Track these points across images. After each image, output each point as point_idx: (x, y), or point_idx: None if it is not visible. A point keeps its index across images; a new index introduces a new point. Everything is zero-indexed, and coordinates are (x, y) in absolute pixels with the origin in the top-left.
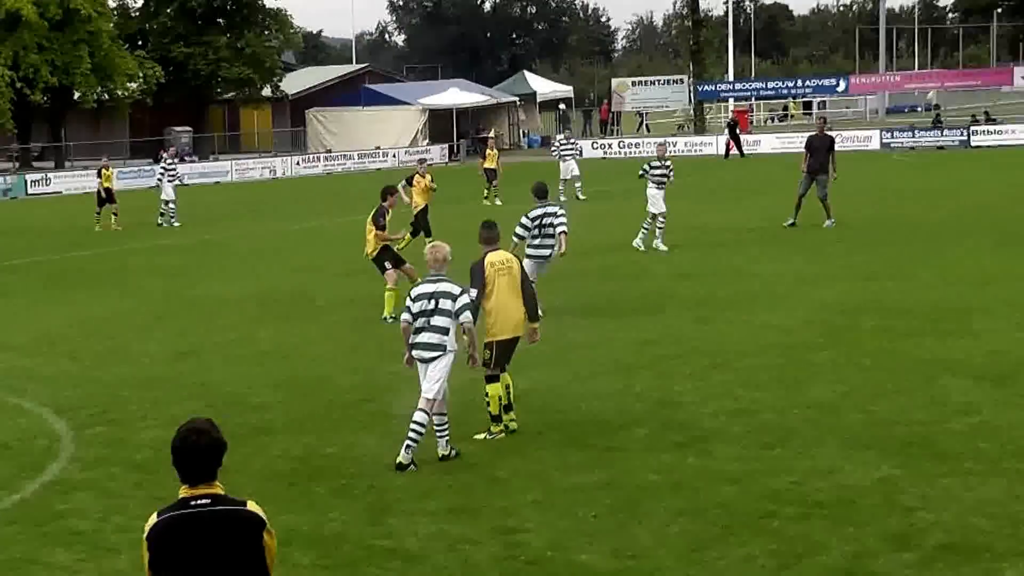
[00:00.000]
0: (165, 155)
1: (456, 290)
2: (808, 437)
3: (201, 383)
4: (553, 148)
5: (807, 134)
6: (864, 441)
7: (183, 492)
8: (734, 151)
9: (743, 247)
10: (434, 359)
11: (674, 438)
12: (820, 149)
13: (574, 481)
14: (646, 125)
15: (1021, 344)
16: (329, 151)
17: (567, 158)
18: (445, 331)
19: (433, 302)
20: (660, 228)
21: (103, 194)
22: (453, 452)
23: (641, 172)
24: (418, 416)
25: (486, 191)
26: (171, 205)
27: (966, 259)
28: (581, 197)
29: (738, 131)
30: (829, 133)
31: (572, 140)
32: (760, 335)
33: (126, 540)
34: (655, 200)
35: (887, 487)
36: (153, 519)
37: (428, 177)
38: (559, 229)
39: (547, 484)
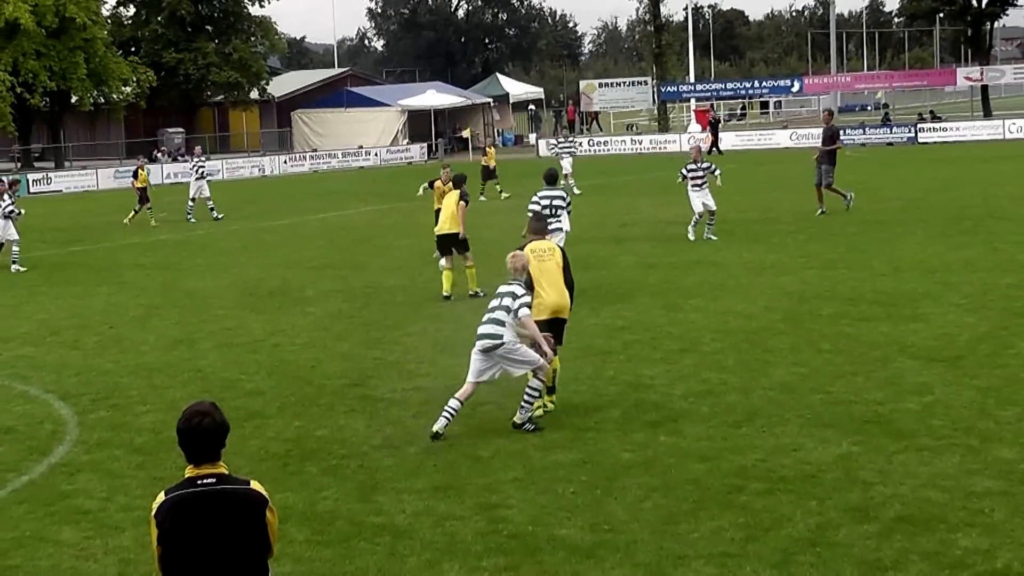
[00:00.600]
0: (195, 155)
1: (520, 291)
2: (772, 416)
3: (197, 370)
4: (552, 146)
5: (766, 132)
6: (824, 420)
7: (189, 472)
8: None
9: (704, 239)
10: (491, 348)
11: (646, 418)
12: (824, 140)
13: (553, 459)
14: (598, 124)
15: (969, 327)
16: (315, 150)
17: (565, 156)
18: (501, 323)
19: (499, 299)
20: (710, 223)
21: (139, 193)
22: (530, 426)
23: (680, 177)
24: (453, 403)
25: (483, 187)
26: (191, 203)
27: (916, 248)
28: (576, 192)
29: (719, 129)
30: (833, 125)
31: (571, 139)
32: (725, 321)
33: (130, 518)
34: (697, 200)
35: (847, 463)
36: (161, 497)
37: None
38: (565, 212)
39: (527, 463)
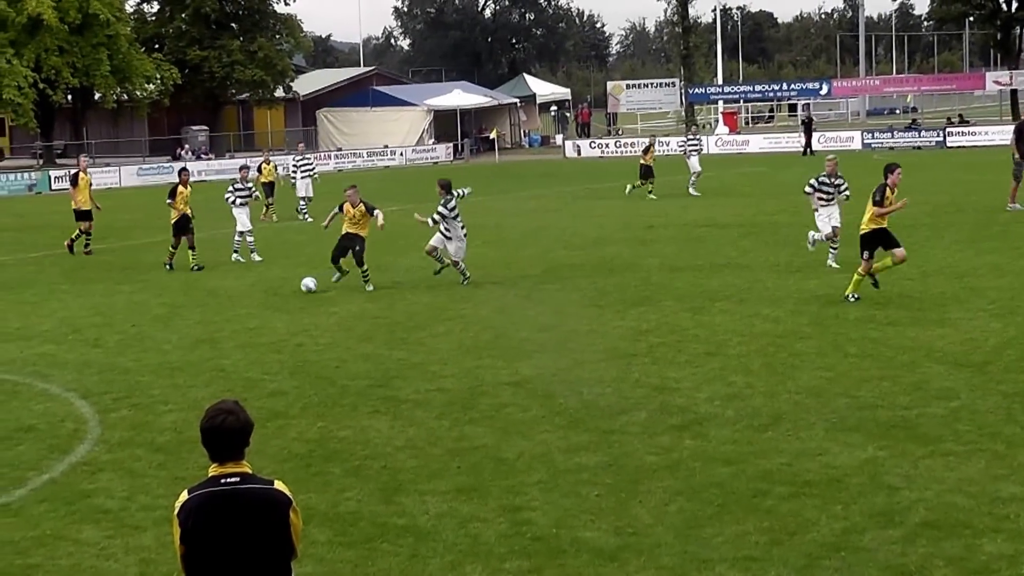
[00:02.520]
0: (298, 152)
1: None
2: (798, 420)
3: (219, 369)
4: (681, 145)
5: (794, 135)
6: (850, 424)
7: (213, 470)
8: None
9: (733, 241)
10: None
11: (671, 422)
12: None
13: (577, 462)
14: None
15: (996, 333)
16: (340, 149)
17: (693, 154)
18: None
19: None
20: (834, 248)
21: (266, 188)
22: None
23: (808, 189)
24: None
25: (640, 185)
26: (301, 202)
27: (943, 253)
28: (694, 193)
29: (812, 129)
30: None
31: (697, 137)
32: (751, 324)
33: (151, 518)
34: (823, 217)
35: (872, 467)
36: (184, 496)
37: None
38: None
39: (551, 465)
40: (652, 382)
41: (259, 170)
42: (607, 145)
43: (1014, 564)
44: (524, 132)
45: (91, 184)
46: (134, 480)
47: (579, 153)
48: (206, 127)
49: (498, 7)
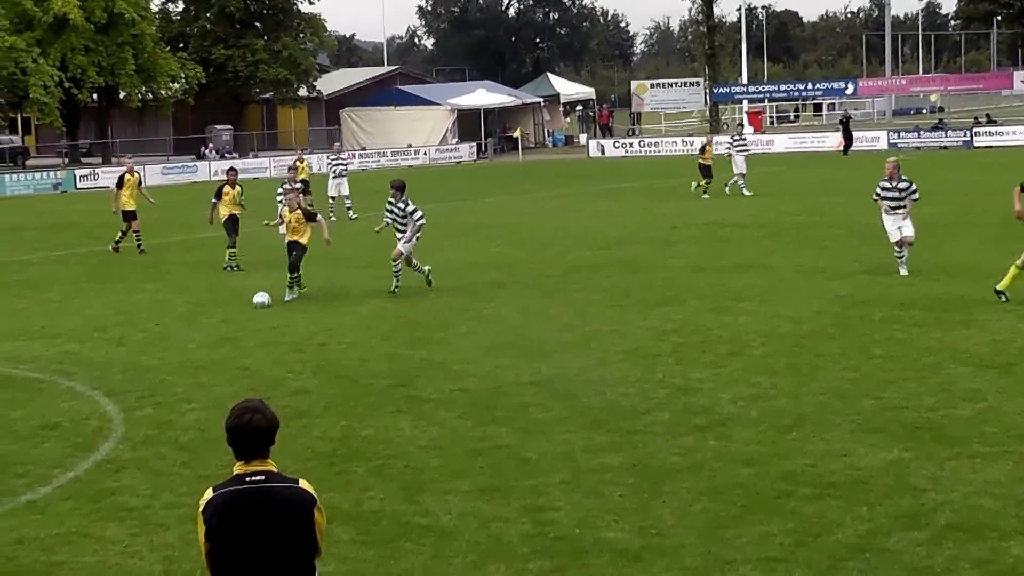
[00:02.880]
0: (334, 151)
1: None
2: (822, 422)
3: (243, 368)
4: (727, 145)
5: (819, 134)
6: (875, 425)
7: (238, 468)
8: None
9: (757, 241)
10: None
11: (695, 422)
12: None
13: (600, 462)
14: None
15: (1022, 334)
16: (364, 148)
17: (739, 154)
18: None
19: None
20: (898, 256)
21: (302, 185)
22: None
23: (875, 196)
24: None
25: (703, 185)
26: (347, 200)
27: (969, 254)
28: (746, 193)
29: (851, 128)
30: None
31: (744, 137)
32: (774, 325)
33: (174, 516)
34: (892, 225)
35: (898, 469)
36: (209, 494)
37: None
38: (417, 220)
39: (574, 465)
40: (675, 382)
41: (292, 168)
42: (631, 145)
43: None
44: (548, 132)
45: (140, 183)
46: (158, 478)
47: (603, 153)
48: (230, 126)
49: (522, 6)
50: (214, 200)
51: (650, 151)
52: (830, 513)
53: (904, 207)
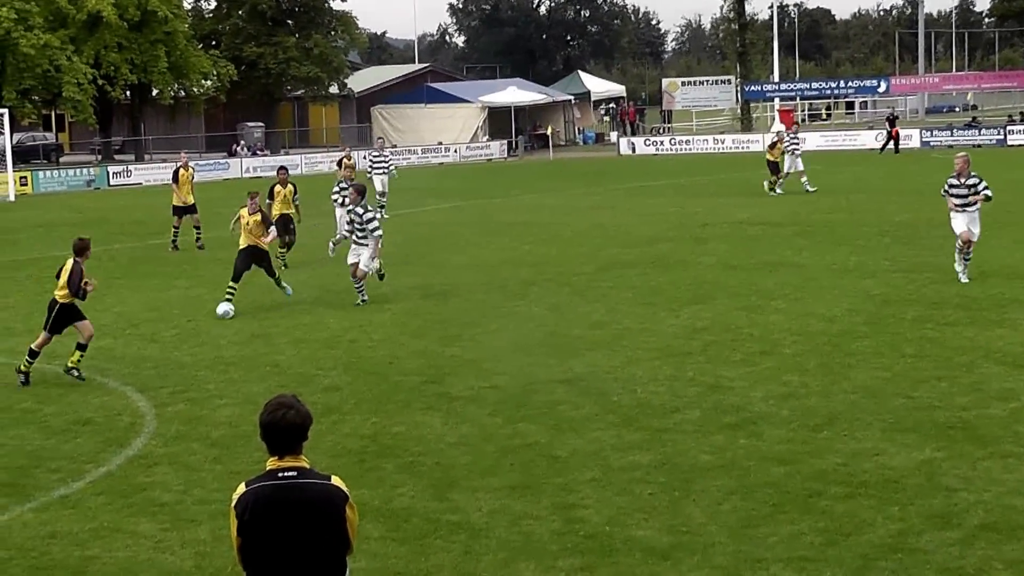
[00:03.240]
0: (376, 148)
1: None
2: (853, 420)
3: (274, 364)
4: (786, 143)
5: (851, 132)
6: (907, 425)
7: (271, 464)
8: (891, 145)
9: (788, 239)
10: None
11: (725, 420)
12: None
13: (630, 460)
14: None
15: None
16: (394, 146)
17: (794, 153)
18: None
19: None
20: (964, 257)
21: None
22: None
23: (943, 192)
24: None
25: (773, 182)
26: (381, 198)
27: (1002, 253)
28: (810, 189)
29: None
30: None
31: (797, 136)
32: (806, 323)
33: (206, 512)
34: (959, 223)
35: (930, 469)
36: (241, 489)
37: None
38: (374, 233)
39: (604, 463)
40: (706, 380)
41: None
42: (662, 143)
43: None
44: (578, 129)
45: (192, 179)
46: (190, 474)
47: (633, 150)
48: (262, 123)
49: (553, 4)
50: (268, 200)
51: (681, 149)
52: (861, 512)
53: (974, 204)
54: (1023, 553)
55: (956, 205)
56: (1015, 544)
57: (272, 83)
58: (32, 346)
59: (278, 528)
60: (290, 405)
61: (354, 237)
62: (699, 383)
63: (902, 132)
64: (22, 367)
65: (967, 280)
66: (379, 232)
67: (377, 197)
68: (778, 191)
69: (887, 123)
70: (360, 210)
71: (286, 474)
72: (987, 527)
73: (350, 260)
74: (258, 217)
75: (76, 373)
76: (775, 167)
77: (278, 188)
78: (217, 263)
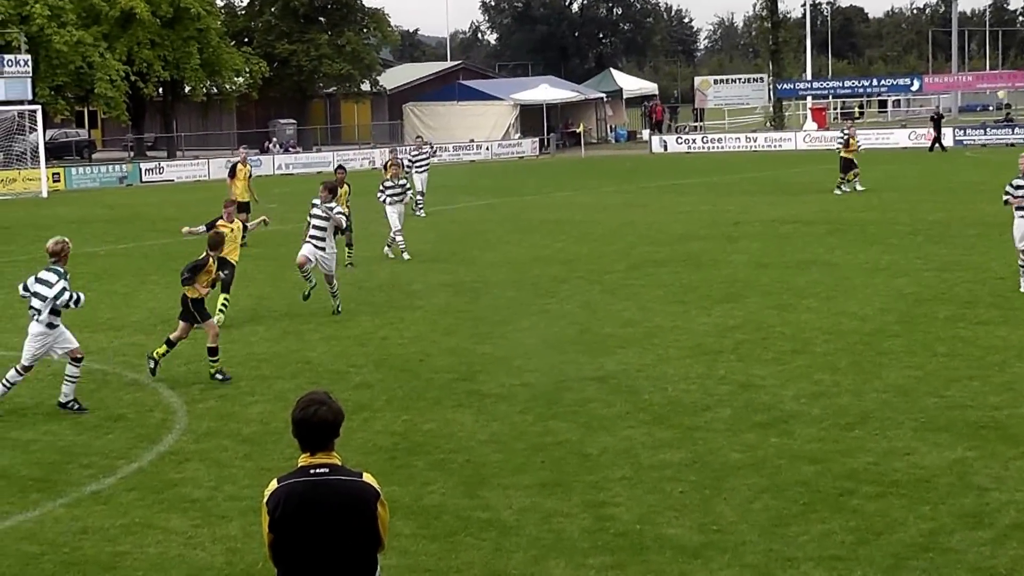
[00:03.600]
0: (416, 146)
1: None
2: (885, 419)
3: (305, 361)
4: (838, 140)
5: (884, 131)
6: (939, 424)
7: (303, 460)
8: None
9: (821, 238)
10: None
11: (756, 419)
12: None
13: (661, 458)
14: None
15: None
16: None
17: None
18: None
19: None
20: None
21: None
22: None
23: (1004, 196)
24: None
25: (842, 179)
26: (418, 196)
27: None
28: (859, 188)
29: (941, 124)
30: None
31: (847, 132)
32: (838, 322)
33: (237, 508)
34: (1019, 230)
35: (961, 468)
36: (273, 485)
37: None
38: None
39: (635, 461)
40: (737, 379)
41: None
42: (694, 141)
43: None
44: (610, 127)
45: (250, 176)
46: (221, 470)
47: (665, 148)
48: (294, 120)
49: (585, 1)
50: None
51: (713, 147)
52: (893, 512)
53: None
54: None
55: (1022, 209)
56: None
57: (304, 80)
58: (170, 336)
59: (310, 525)
60: (322, 401)
61: (313, 235)
62: (730, 381)
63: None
64: (154, 354)
65: None
66: (341, 216)
67: (416, 196)
68: (844, 189)
69: (931, 121)
70: (329, 206)
71: (318, 471)
72: (1019, 527)
73: (300, 256)
74: (239, 224)
75: (220, 376)
76: (849, 164)
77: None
78: (247, 259)
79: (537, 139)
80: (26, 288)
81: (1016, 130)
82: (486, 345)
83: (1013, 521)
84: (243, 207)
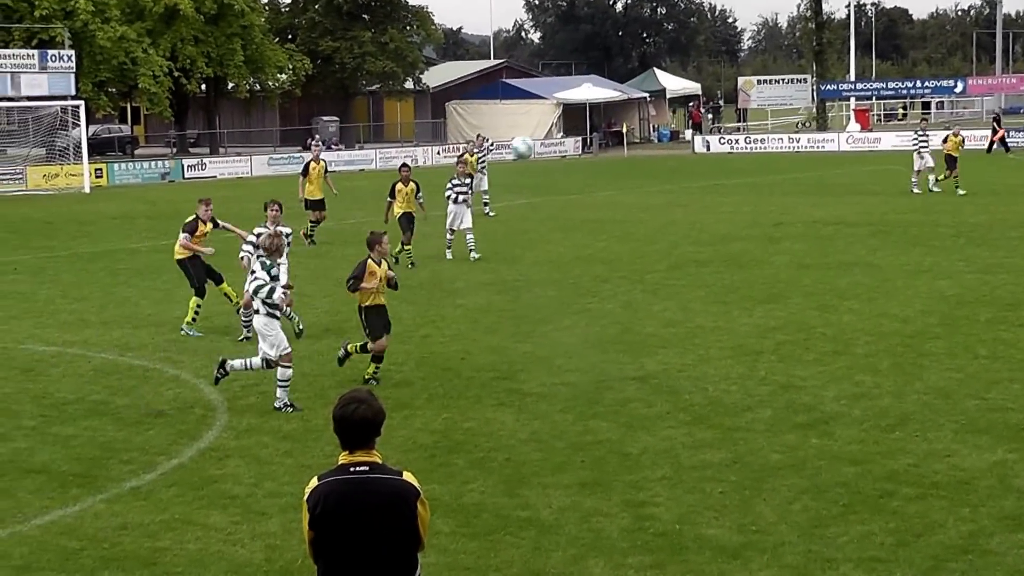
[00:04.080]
0: (473, 144)
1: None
2: (925, 421)
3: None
4: (914, 140)
5: (927, 133)
6: (980, 426)
7: (343, 459)
8: (999, 146)
9: (863, 239)
10: None
11: (797, 420)
12: None
13: (701, 459)
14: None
15: None
16: (469, 142)
17: (923, 152)
18: None
19: None
20: None
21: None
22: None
23: None
24: None
25: (948, 176)
26: (485, 195)
27: None
28: (935, 189)
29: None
30: None
31: (926, 133)
32: (879, 323)
33: (277, 505)
34: None
35: (1002, 470)
36: (314, 482)
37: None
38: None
39: (675, 461)
40: (778, 380)
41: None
42: (736, 141)
43: None
44: (653, 127)
45: (325, 173)
46: (261, 467)
47: (708, 148)
48: (336, 118)
49: (630, 1)
50: (389, 199)
51: (756, 147)
52: (932, 514)
53: None
54: None
55: None
56: None
57: (347, 77)
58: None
59: (350, 523)
60: (363, 400)
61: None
62: (771, 382)
63: (978, 133)
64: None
65: None
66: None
67: (481, 195)
68: (935, 189)
69: (994, 122)
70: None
71: (358, 469)
72: None
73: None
74: (209, 226)
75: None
76: (952, 161)
77: (399, 186)
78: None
79: (580, 138)
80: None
81: None
82: (527, 344)
83: None
84: (317, 204)
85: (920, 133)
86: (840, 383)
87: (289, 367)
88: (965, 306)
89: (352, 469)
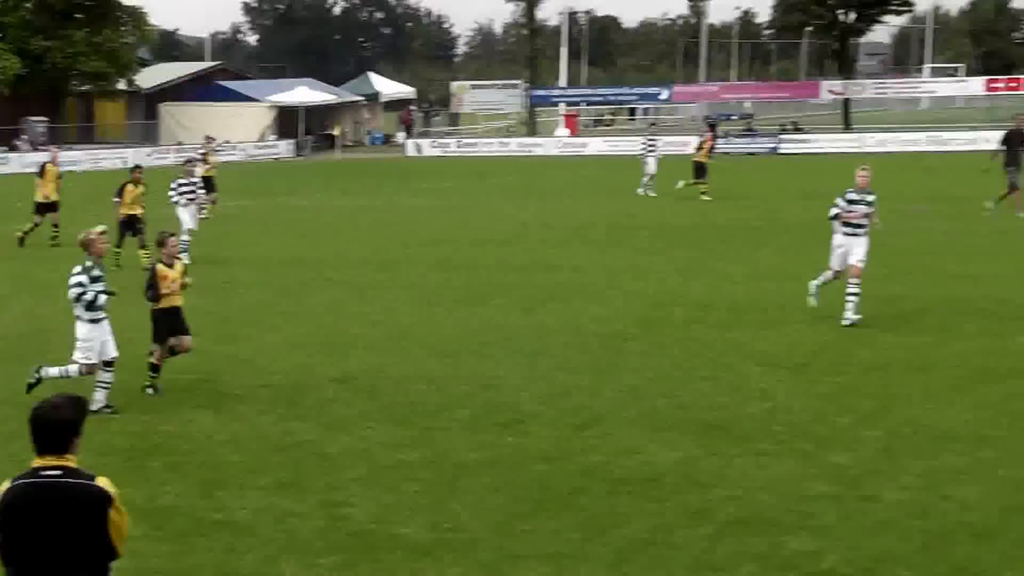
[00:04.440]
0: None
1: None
2: (618, 419)
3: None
4: (641, 147)
5: (632, 138)
6: (669, 423)
7: (36, 462)
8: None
9: (566, 243)
10: None
11: (494, 419)
12: (1014, 142)
13: (398, 458)
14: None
15: (815, 335)
16: (180, 143)
17: (649, 157)
18: None
19: None
20: (851, 295)
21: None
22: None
23: (834, 211)
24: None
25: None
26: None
27: (770, 258)
28: (651, 194)
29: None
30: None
31: (654, 138)
32: (579, 324)
33: None
34: (847, 253)
35: (687, 466)
36: (6, 484)
37: None
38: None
39: (372, 461)
40: (478, 380)
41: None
42: (448, 145)
43: (816, 560)
44: (367, 130)
45: (59, 176)
46: None
47: (420, 152)
48: (45, 118)
49: (348, 5)
50: (115, 199)
51: (467, 151)
52: (620, 509)
53: (865, 226)
54: (768, 547)
55: (848, 226)
56: (762, 538)
57: (58, 78)
58: None
59: (38, 527)
60: (55, 405)
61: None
62: (471, 382)
63: (679, 139)
64: None
65: (857, 318)
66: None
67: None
68: (650, 193)
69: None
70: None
71: (49, 472)
72: (737, 522)
73: None
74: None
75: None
76: (701, 169)
77: (129, 187)
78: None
79: (293, 141)
80: None
81: (757, 140)
82: (231, 346)
83: (732, 516)
84: (52, 207)
85: (649, 139)
86: (538, 383)
87: (80, 372)
88: (661, 307)
89: (42, 473)
